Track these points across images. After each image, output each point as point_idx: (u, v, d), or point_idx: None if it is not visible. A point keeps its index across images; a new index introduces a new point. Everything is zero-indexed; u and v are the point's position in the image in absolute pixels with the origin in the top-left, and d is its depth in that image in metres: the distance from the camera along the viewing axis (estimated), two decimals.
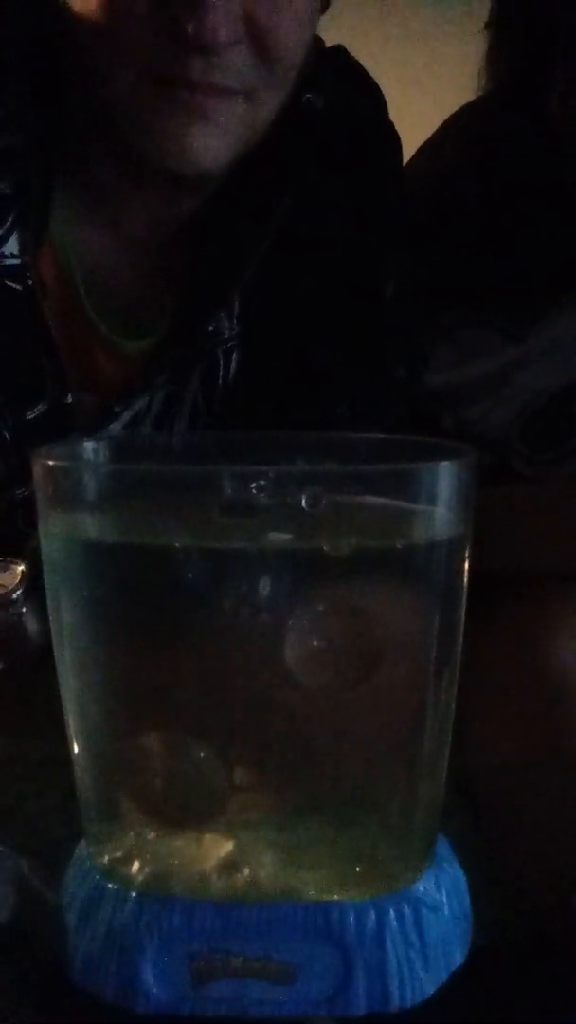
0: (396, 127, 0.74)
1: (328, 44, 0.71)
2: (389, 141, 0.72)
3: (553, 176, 0.74)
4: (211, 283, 0.67)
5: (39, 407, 0.65)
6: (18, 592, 0.60)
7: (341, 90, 0.69)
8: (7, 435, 0.65)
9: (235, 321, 0.67)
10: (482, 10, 0.78)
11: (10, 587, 0.61)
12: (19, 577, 0.61)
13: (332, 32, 0.73)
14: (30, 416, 0.65)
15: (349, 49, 0.72)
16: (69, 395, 0.66)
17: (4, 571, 0.61)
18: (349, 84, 0.71)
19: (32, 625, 0.60)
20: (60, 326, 0.66)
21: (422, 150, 0.84)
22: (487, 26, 0.78)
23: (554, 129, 0.73)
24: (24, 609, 0.61)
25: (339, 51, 0.72)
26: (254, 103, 0.62)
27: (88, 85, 0.63)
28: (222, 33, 0.58)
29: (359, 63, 0.72)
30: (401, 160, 0.74)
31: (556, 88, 0.73)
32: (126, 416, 0.66)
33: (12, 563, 0.61)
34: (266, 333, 0.67)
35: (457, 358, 0.77)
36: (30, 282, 0.64)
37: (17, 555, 0.61)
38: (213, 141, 0.61)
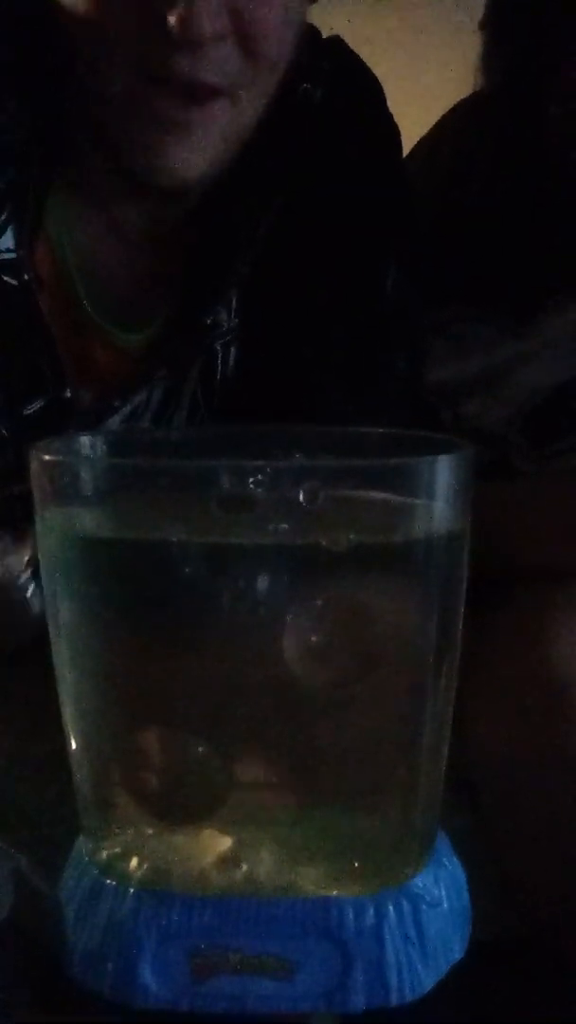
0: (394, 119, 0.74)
1: (324, 36, 0.71)
2: (388, 133, 0.72)
3: (550, 173, 0.74)
4: (209, 276, 0.67)
5: (37, 402, 0.65)
6: (26, 574, 0.60)
7: (339, 82, 0.69)
8: (4, 431, 0.65)
9: (233, 315, 0.67)
10: (478, 3, 0.78)
11: (17, 570, 0.61)
12: (27, 558, 0.61)
13: (328, 25, 0.72)
14: (28, 411, 0.65)
15: (345, 36, 0.72)
16: (67, 390, 0.66)
17: (13, 553, 0.61)
18: (347, 76, 0.70)
19: (36, 606, 0.60)
20: (57, 321, 0.66)
21: (419, 146, 0.84)
22: (481, 26, 0.77)
23: (551, 127, 0.73)
24: (30, 593, 0.61)
25: (336, 42, 0.71)
26: (239, 105, 0.61)
27: (82, 84, 0.63)
28: (206, 26, 0.57)
29: (356, 55, 0.72)
30: (401, 152, 0.74)
31: (554, 87, 0.73)
32: (124, 410, 0.66)
33: (21, 542, 0.61)
34: (265, 327, 0.67)
35: (455, 353, 0.77)
36: (26, 276, 0.64)
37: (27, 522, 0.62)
38: (193, 155, 0.61)
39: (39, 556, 0.46)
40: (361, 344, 0.68)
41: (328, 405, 0.66)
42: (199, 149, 0.61)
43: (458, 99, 0.83)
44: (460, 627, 0.46)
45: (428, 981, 0.45)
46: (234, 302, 0.67)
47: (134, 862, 0.46)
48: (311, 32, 0.69)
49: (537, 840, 0.63)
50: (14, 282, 0.64)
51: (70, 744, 0.47)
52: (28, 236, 0.63)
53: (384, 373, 0.69)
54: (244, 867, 0.45)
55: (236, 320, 0.67)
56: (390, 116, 0.72)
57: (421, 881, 0.46)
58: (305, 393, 0.66)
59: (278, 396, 0.66)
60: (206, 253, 0.67)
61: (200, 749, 0.45)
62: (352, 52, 0.71)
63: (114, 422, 0.66)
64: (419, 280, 0.71)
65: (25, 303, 0.64)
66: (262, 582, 0.43)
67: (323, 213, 0.68)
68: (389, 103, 0.73)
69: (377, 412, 0.65)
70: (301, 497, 0.43)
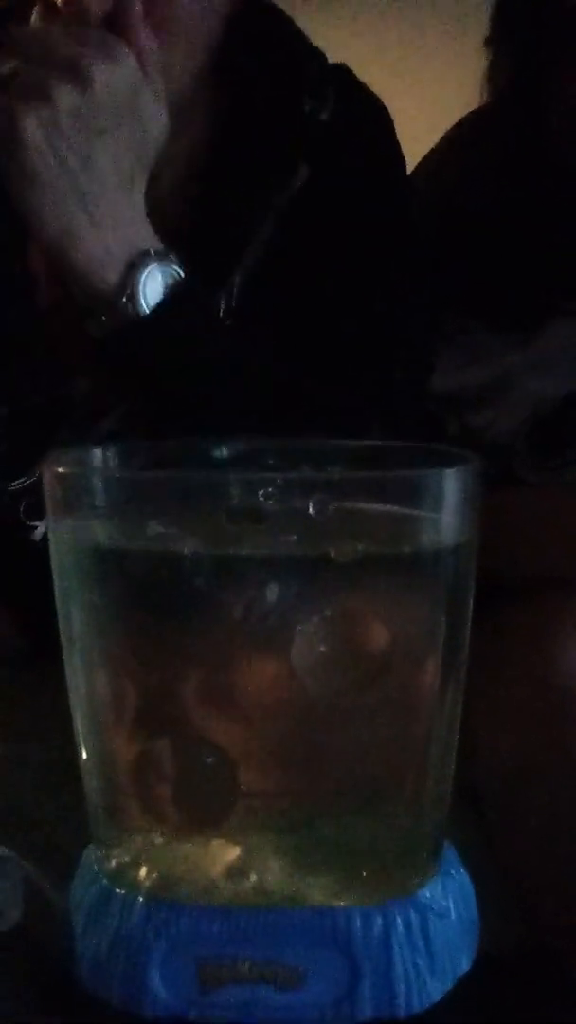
0: (399, 134, 0.74)
1: (328, 47, 0.72)
2: (393, 155, 0.73)
3: (554, 180, 0.75)
4: (209, 283, 0.67)
5: (33, 396, 0.65)
6: None
7: (346, 105, 0.70)
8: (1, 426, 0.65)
9: (231, 310, 0.67)
10: (482, 15, 0.79)
11: None
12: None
13: (332, 37, 0.73)
14: (25, 406, 0.65)
15: (350, 51, 0.73)
16: (64, 384, 0.66)
17: None
18: (353, 100, 0.71)
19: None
20: (54, 313, 0.66)
21: (426, 159, 0.85)
22: (486, 43, 0.78)
23: (554, 125, 0.74)
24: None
25: (342, 68, 0.72)
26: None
27: None
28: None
29: (362, 82, 0.72)
30: (405, 174, 0.75)
31: (555, 83, 0.73)
32: (122, 407, 0.66)
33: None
34: (263, 337, 0.67)
35: (461, 363, 0.77)
36: (22, 269, 0.64)
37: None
38: None
39: (52, 567, 0.46)
40: (354, 356, 0.69)
41: (317, 408, 0.66)
42: None
43: (462, 114, 0.84)
44: (468, 638, 0.46)
45: (436, 992, 0.45)
46: (233, 300, 0.67)
47: (143, 871, 0.47)
48: (317, 57, 0.70)
49: (542, 849, 0.63)
50: (9, 274, 0.64)
51: (80, 752, 0.47)
52: (23, 225, 0.64)
53: (378, 382, 0.69)
54: (252, 877, 0.46)
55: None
56: (396, 140, 0.72)
57: (429, 891, 0.46)
58: (297, 387, 0.66)
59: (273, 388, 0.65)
60: (207, 259, 0.68)
61: (209, 759, 0.45)
62: (357, 79, 0.72)
63: (112, 417, 0.66)
64: (418, 293, 0.71)
65: (21, 295, 0.64)
66: (271, 593, 0.43)
67: (323, 227, 0.68)
68: (393, 114, 0.74)
69: (368, 418, 0.66)
70: (310, 509, 0.43)
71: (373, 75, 0.74)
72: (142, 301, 0.59)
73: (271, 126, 0.67)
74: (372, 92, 0.73)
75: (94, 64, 0.57)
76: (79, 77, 0.57)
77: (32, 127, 0.57)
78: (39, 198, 0.58)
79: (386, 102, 0.74)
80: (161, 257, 0.60)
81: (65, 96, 0.57)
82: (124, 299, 0.59)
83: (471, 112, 0.82)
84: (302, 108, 0.68)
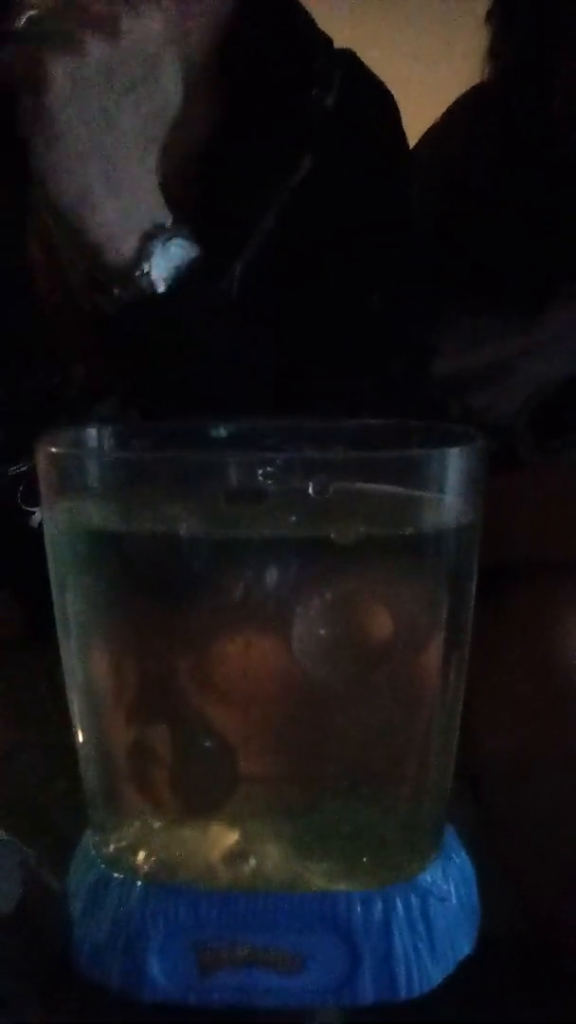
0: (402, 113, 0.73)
1: (331, 26, 0.71)
2: (399, 146, 0.72)
3: (556, 167, 0.74)
4: (210, 267, 0.67)
5: (29, 381, 0.65)
6: None
7: (351, 92, 0.69)
8: None
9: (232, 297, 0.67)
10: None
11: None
12: None
13: (335, 16, 0.72)
14: (20, 390, 0.65)
15: (353, 31, 0.72)
16: (60, 369, 0.65)
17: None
18: (359, 87, 0.70)
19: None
20: (49, 300, 0.65)
21: (428, 136, 0.84)
22: (488, 19, 0.77)
23: (556, 120, 0.73)
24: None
25: (348, 53, 0.71)
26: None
27: None
28: None
29: (369, 68, 0.72)
30: (407, 163, 0.74)
31: (557, 82, 0.72)
32: (118, 391, 0.65)
33: None
34: (264, 310, 0.67)
35: (464, 346, 0.77)
36: (19, 254, 0.63)
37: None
38: None
39: (46, 549, 0.46)
40: (351, 346, 0.68)
41: (312, 396, 0.65)
42: None
43: (465, 88, 0.83)
44: (471, 620, 0.46)
45: (436, 976, 0.45)
46: (235, 286, 0.67)
47: (141, 856, 0.46)
48: (325, 41, 0.69)
49: (540, 833, 0.63)
50: (6, 260, 0.63)
51: (77, 737, 0.46)
52: (20, 212, 0.63)
53: (375, 372, 0.69)
54: (251, 861, 0.45)
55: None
56: (401, 128, 0.72)
57: (429, 875, 0.46)
58: (292, 379, 0.65)
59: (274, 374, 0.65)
60: (208, 242, 0.67)
61: (208, 743, 0.44)
62: (364, 65, 0.71)
63: (110, 402, 0.66)
64: (418, 278, 0.71)
65: (17, 280, 0.64)
66: (270, 575, 0.43)
67: (326, 214, 0.68)
68: (394, 91, 0.73)
69: (364, 406, 0.65)
70: (310, 489, 0.42)
71: (372, 52, 0.73)
72: (156, 276, 0.58)
73: (276, 112, 0.67)
74: (378, 79, 0.72)
75: (126, 18, 0.56)
76: (111, 29, 0.55)
77: (60, 77, 0.54)
78: (59, 155, 0.55)
79: (386, 80, 0.73)
80: (176, 231, 0.59)
81: (96, 47, 0.55)
82: (138, 273, 0.58)
83: (473, 87, 0.82)
84: (307, 94, 0.67)
